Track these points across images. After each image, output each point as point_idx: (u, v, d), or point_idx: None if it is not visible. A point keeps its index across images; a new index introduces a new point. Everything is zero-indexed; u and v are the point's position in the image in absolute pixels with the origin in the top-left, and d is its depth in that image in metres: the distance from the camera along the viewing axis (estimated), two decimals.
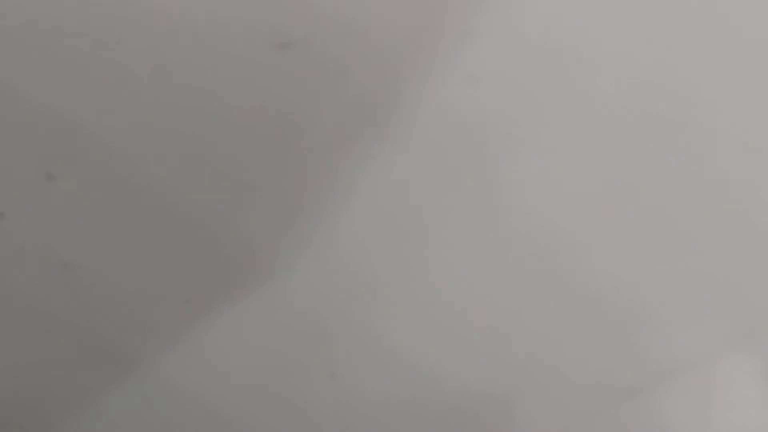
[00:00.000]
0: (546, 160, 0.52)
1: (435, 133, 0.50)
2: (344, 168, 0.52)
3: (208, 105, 0.50)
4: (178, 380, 0.64)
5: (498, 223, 0.56)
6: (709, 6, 0.46)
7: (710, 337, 0.65)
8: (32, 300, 0.59)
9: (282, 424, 0.67)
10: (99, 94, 0.49)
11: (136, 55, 0.47)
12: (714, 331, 0.64)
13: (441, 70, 0.47)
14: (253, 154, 0.52)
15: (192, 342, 0.61)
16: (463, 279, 0.60)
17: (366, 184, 0.54)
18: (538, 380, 0.68)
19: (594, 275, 0.60)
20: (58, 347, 0.61)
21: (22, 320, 0.60)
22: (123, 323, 0.60)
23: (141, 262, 0.57)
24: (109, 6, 0.45)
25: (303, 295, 0.60)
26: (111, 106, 0.50)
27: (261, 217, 0.55)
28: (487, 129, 0.50)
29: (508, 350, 0.65)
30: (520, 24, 0.45)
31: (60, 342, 0.61)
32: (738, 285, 0.61)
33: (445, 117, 0.49)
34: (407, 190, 0.54)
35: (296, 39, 0.46)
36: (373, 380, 0.65)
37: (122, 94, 0.49)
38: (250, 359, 0.63)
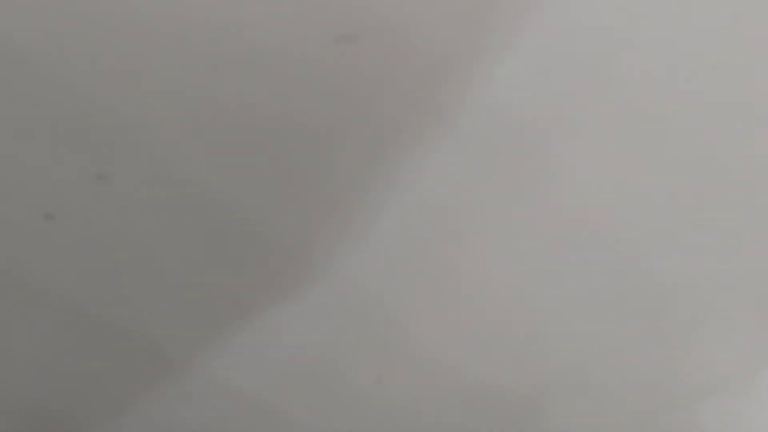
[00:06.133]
0: (595, 153, 0.52)
1: (488, 126, 0.50)
2: (385, 169, 0.52)
3: (261, 105, 0.49)
4: (224, 383, 0.64)
5: (544, 222, 0.56)
6: None
7: (750, 351, 0.64)
8: (80, 303, 0.58)
9: (327, 427, 0.67)
10: (153, 95, 0.49)
11: (190, 54, 0.47)
12: (754, 345, 0.64)
13: (499, 61, 0.47)
14: (301, 157, 0.52)
15: (238, 345, 0.61)
16: (505, 280, 0.60)
17: (412, 183, 0.53)
18: (574, 385, 0.67)
19: (637, 279, 0.60)
20: (106, 350, 0.61)
21: (70, 323, 0.59)
22: (170, 326, 0.60)
23: (188, 264, 0.57)
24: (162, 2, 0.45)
25: (348, 298, 0.59)
26: (163, 108, 0.50)
27: (307, 219, 0.55)
28: (539, 121, 0.50)
29: (547, 354, 0.65)
30: (570, 11, 0.45)
31: (107, 345, 0.61)
32: None
33: (500, 110, 0.49)
34: (452, 187, 0.54)
35: (355, 33, 0.46)
36: (418, 385, 0.64)
37: (175, 96, 0.49)
38: (297, 362, 0.63)
